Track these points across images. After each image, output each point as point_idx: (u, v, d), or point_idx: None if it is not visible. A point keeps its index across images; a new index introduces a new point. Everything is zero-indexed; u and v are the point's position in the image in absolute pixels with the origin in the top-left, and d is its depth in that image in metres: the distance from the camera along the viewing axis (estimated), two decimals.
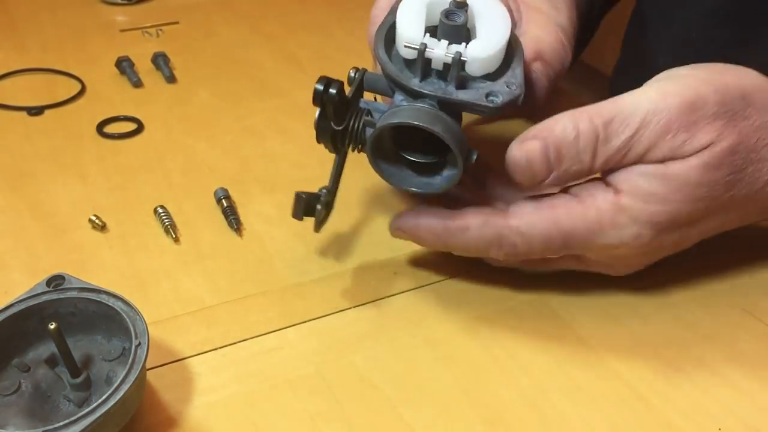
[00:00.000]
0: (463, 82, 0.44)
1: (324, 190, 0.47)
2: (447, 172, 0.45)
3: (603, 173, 0.44)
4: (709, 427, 0.41)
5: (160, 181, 0.59)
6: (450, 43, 0.44)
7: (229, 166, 0.61)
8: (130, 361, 0.38)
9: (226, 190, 0.56)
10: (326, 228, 0.54)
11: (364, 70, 0.47)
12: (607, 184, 0.43)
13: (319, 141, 0.46)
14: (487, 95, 0.43)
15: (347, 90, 0.45)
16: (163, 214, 0.54)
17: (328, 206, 0.48)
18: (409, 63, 0.45)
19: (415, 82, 0.44)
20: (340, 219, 0.55)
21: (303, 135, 0.65)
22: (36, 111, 0.67)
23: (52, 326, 0.38)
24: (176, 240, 0.53)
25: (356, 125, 0.45)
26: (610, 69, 0.85)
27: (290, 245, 0.53)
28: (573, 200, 0.43)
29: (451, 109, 0.44)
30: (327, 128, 0.45)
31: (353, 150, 0.47)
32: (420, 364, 0.44)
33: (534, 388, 0.43)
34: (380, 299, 0.49)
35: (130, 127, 0.65)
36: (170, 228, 0.53)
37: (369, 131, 0.45)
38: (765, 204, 0.45)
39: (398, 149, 0.46)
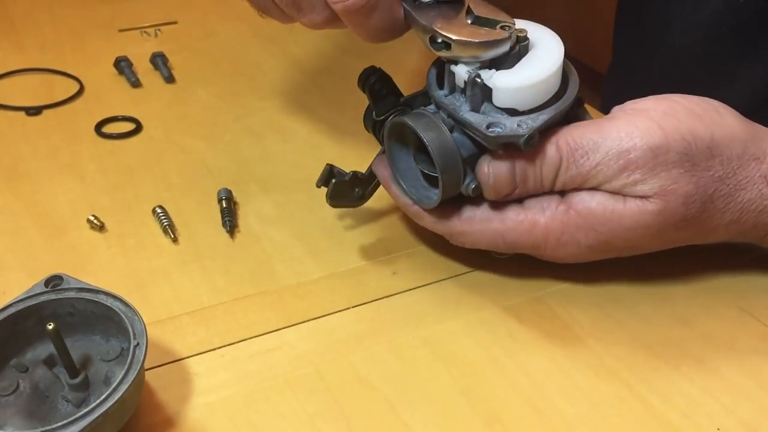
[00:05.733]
0: (481, 108, 0.44)
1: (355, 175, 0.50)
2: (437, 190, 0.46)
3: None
4: (708, 427, 0.41)
5: (158, 181, 0.59)
6: (483, 68, 0.44)
7: (227, 165, 0.61)
8: (128, 361, 0.38)
9: (228, 191, 0.56)
10: (326, 228, 0.54)
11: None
12: (562, 200, 0.45)
13: (365, 126, 0.50)
14: (490, 125, 0.43)
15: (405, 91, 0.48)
16: (161, 214, 0.54)
17: (361, 200, 0.52)
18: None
19: (439, 93, 0.46)
20: (339, 219, 0.55)
21: (302, 135, 0.65)
22: (34, 111, 0.67)
23: (51, 326, 0.38)
24: (175, 240, 0.53)
25: (389, 118, 0.47)
26: (606, 68, 0.85)
27: (289, 245, 0.53)
28: (522, 214, 0.45)
29: (465, 130, 0.44)
30: (369, 117, 0.49)
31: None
32: (418, 364, 0.44)
33: (533, 389, 0.43)
34: (379, 299, 0.49)
35: (129, 127, 0.65)
36: (169, 228, 0.53)
37: None
38: (714, 240, 0.47)
39: (417, 159, 0.47)
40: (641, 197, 0.43)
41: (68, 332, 0.41)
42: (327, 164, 0.50)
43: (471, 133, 0.44)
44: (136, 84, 0.71)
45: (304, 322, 0.47)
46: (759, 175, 0.45)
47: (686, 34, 0.64)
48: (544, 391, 0.43)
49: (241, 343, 0.45)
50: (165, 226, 0.53)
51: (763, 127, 0.47)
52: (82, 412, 0.36)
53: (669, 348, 0.45)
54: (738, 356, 0.45)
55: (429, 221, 0.47)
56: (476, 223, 0.46)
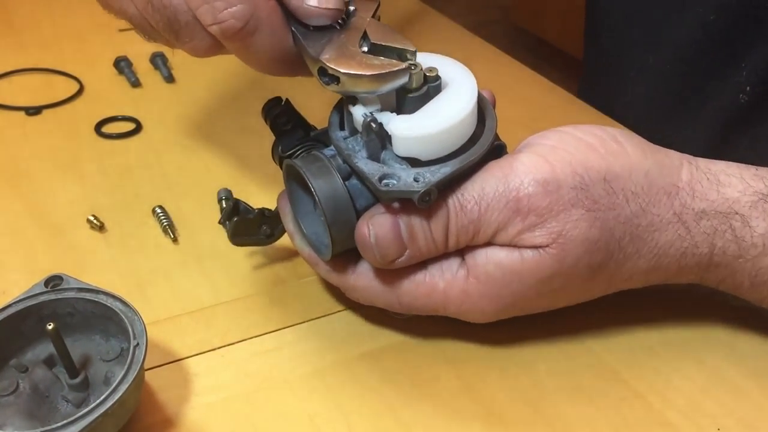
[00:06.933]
0: (380, 155, 0.40)
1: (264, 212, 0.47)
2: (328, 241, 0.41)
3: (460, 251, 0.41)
4: (708, 427, 0.41)
5: (158, 180, 0.59)
6: (385, 109, 0.39)
7: (227, 165, 0.61)
8: (128, 361, 0.38)
9: (228, 191, 0.56)
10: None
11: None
12: (462, 262, 0.41)
13: (273, 159, 0.46)
14: (384, 176, 0.38)
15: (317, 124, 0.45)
16: (161, 214, 0.54)
17: (270, 238, 0.49)
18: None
19: (337, 135, 0.41)
20: None
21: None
22: (34, 111, 0.67)
23: (51, 326, 0.38)
24: (175, 240, 0.53)
25: (295, 155, 0.44)
26: None
27: (289, 245, 0.53)
28: (421, 275, 0.41)
29: (361, 179, 0.39)
30: (276, 151, 0.45)
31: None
32: (419, 365, 0.44)
33: (533, 389, 0.43)
34: None
35: (129, 127, 0.65)
36: (168, 228, 0.53)
37: None
38: (629, 287, 0.44)
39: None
40: (538, 247, 0.39)
41: (68, 332, 0.41)
42: (232, 199, 0.46)
43: (367, 185, 0.39)
44: (136, 84, 0.71)
45: (304, 322, 0.47)
46: (672, 213, 0.40)
47: (657, 53, 0.63)
48: (544, 391, 0.43)
49: (241, 343, 0.45)
50: (165, 226, 0.53)
51: (674, 153, 0.42)
52: (82, 412, 0.36)
53: (669, 348, 0.45)
54: (738, 357, 0.45)
55: (323, 270, 0.43)
56: (371, 280, 0.41)
